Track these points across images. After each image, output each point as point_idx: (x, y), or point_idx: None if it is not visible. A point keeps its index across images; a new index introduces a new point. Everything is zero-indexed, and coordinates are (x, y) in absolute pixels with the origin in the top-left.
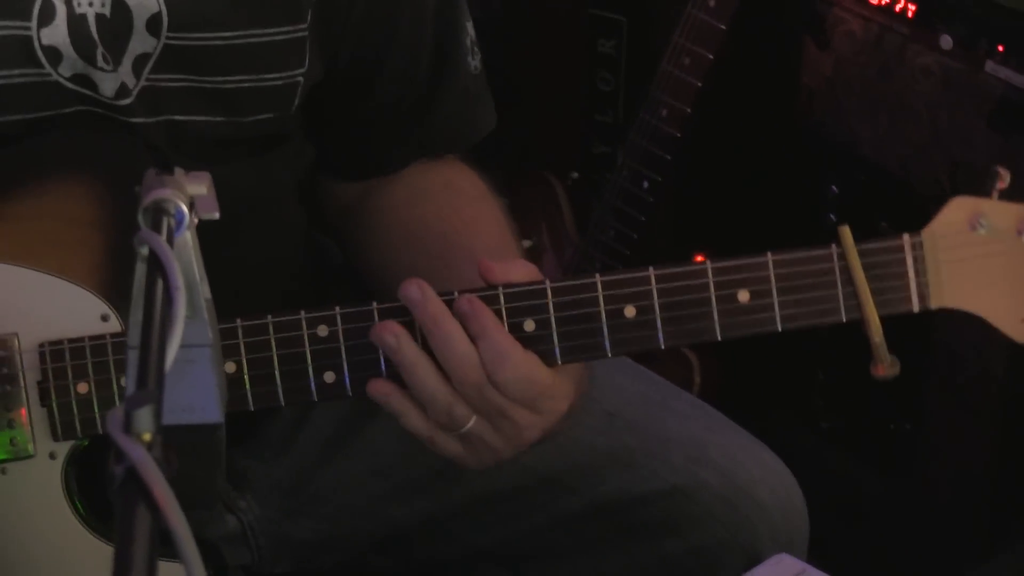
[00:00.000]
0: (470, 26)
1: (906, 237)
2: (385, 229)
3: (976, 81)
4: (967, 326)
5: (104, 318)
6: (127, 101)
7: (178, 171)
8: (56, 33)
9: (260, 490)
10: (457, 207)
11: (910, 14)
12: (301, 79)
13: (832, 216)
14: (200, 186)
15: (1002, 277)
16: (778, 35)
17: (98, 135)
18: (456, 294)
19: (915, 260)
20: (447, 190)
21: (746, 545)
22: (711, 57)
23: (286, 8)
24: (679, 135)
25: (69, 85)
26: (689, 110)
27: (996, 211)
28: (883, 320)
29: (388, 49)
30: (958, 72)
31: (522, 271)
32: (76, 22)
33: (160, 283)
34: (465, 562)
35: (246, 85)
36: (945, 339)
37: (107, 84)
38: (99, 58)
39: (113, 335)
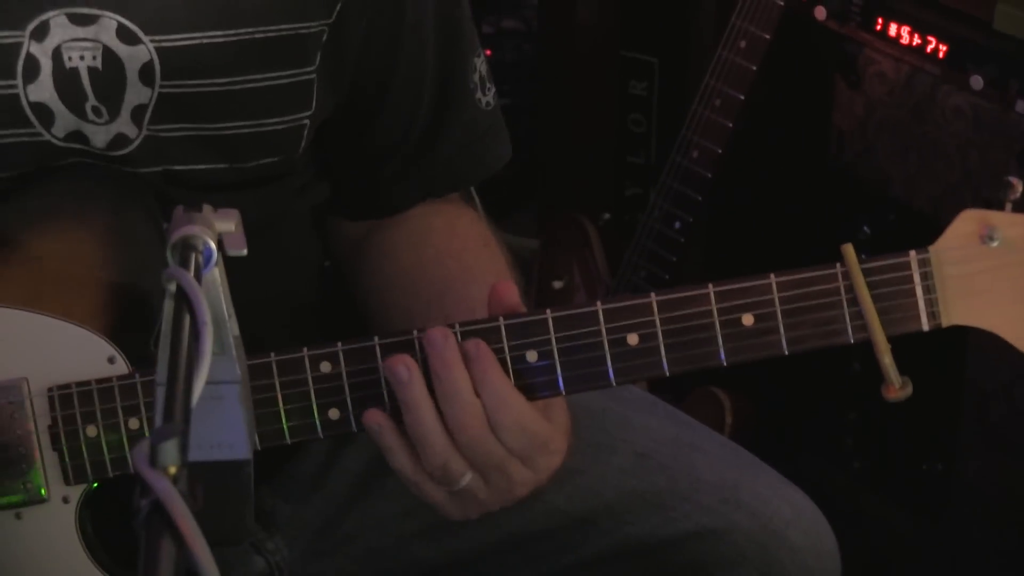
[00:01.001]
0: (479, 62)
1: (912, 253)
2: (384, 272)
3: (1007, 121)
4: (997, 365)
5: (111, 360)
6: (125, 151)
7: (206, 208)
8: (42, 89)
9: (288, 531)
10: (457, 252)
11: (941, 55)
12: (307, 121)
13: (863, 256)
14: (228, 223)
15: (1016, 291)
16: (809, 76)
17: (98, 177)
18: (457, 326)
19: (923, 277)
20: (449, 234)
21: None
22: (742, 98)
23: (291, 52)
24: (710, 176)
25: (62, 144)
26: (720, 151)
27: (1008, 223)
28: (892, 340)
29: (389, 84)
30: (989, 112)
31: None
32: (65, 77)
33: (188, 319)
34: None
35: (246, 131)
36: (975, 378)
37: (99, 137)
38: (89, 111)
39: (120, 377)
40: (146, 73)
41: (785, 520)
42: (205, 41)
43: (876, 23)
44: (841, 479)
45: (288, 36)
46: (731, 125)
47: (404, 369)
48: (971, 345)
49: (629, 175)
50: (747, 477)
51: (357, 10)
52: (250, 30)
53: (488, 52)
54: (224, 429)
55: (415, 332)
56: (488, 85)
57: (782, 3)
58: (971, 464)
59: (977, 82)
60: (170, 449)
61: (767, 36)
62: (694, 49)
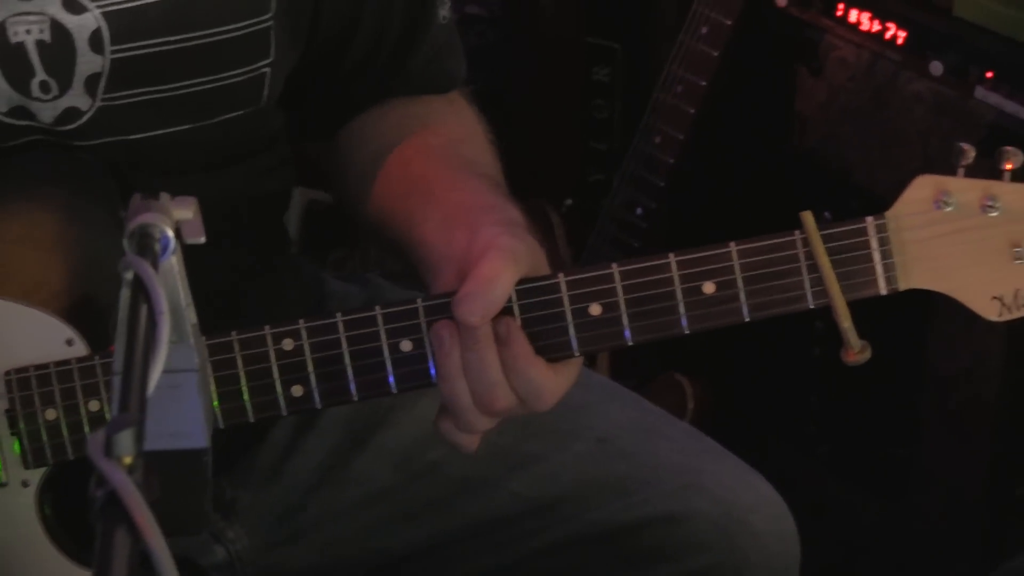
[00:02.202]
0: None
1: (870, 219)
2: (356, 161)
3: (967, 107)
4: (958, 351)
5: (69, 342)
6: (75, 125)
7: (164, 196)
8: None
9: (248, 520)
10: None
11: (900, 41)
12: (268, 70)
13: (822, 223)
14: (186, 211)
15: (969, 254)
16: (771, 62)
17: (53, 157)
18: (420, 301)
19: (880, 242)
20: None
21: (739, 572)
22: (705, 84)
23: (245, 2)
24: (673, 162)
25: (8, 120)
26: (683, 137)
27: (961, 188)
28: (852, 304)
29: (358, 17)
30: (949, 98)
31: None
32: (10, 53)
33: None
34: None
35: (206, 87)
36: (936, 364)
37: (46, 113)
38: (35, 87)
39: (79, 359)
40: (95, 41)
41: (747, 506)
42: (152, 1)
43: (837, 9)
44: (803, 465)
45: None
46: (693, 111)
47: (447, 333)
48: (932, 331)
49: (592, 161)
50: (709, 463)
51: None
52: None
53: None
54: (181, 418)
55: (378, 309)
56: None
57: None
58: (931, 449)
59: (937, 68)
60: (125, 439)
61: (729, 22)
62: (657, 35)
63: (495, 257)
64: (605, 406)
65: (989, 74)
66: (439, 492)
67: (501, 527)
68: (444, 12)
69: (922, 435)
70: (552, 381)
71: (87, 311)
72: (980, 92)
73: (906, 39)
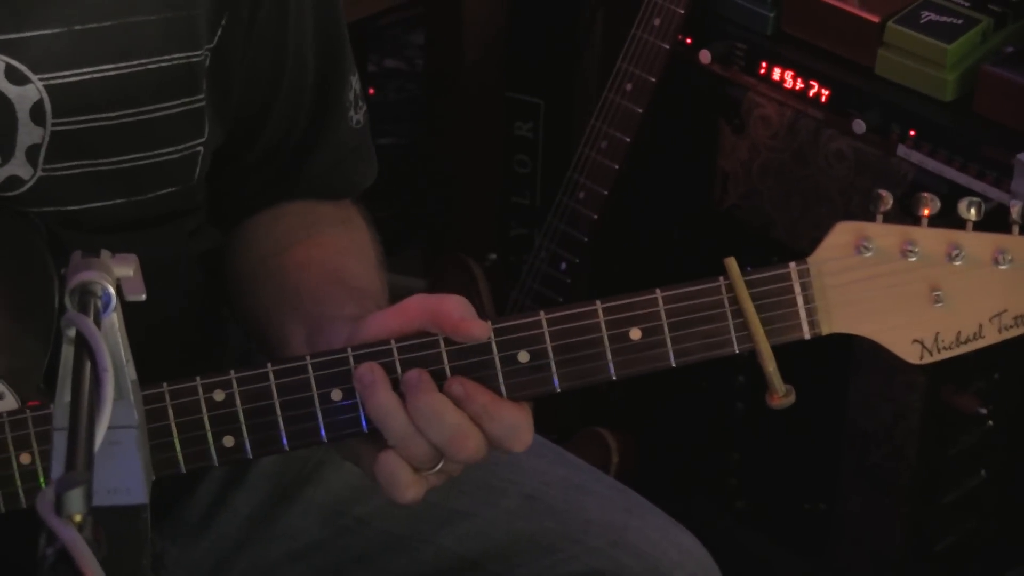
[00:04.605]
0: (355, 80)
1: (792, 265)
2: (243, 261)
3: (888, 165)
4: (878, 406)
5: None
6: (17, 192)
7: (104, 253)
8: None
9: (177, 573)
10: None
11: (824, 99)
12: (201, 148)
13: (747, 270)
14: (127, 268)
15: (890, 298)
16: (694, 120)
17: None
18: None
19: (803, 287)
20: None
21: None
22: (629, 141)
23: (182, 80)
24: (596, 217)
25: None
26: (607, 192)
27: (880, 233)
28: (776, 349)
29: (271, 106)
30: (871, 156)
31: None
32: None
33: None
34: None
35: (142, 163)
36: (856, 419)
37: None
38: None
39: (9, 413)
40: (37, 112)
41: (673, 562)
42: (96, 76)
43: (760, 67)
44: (725, 518)
45: (178, 65)
46: (617, 167)
47: (367, 372)
48: (853, 387)
49: (514, 216)
50: (635, 519)
51: (239, 35)
52: (141, 61)
53: (371, 91)
54: (121, 474)
55: (308, 358)
56: (360, 103)
57: (667, 46)
58: (852, 504)
59: (859, 126)
60: (75, 497)
61: (653, 79)
62: (579, 91)
63: (423, 300)
64: (532, 462)
65: (912, 132)
66: (367, 548)
67: None
68: (357, 116)
69: (842, 490)
70: (527, 417)
71: (14, 365)
72: (902, 150)
73: (829, 97)
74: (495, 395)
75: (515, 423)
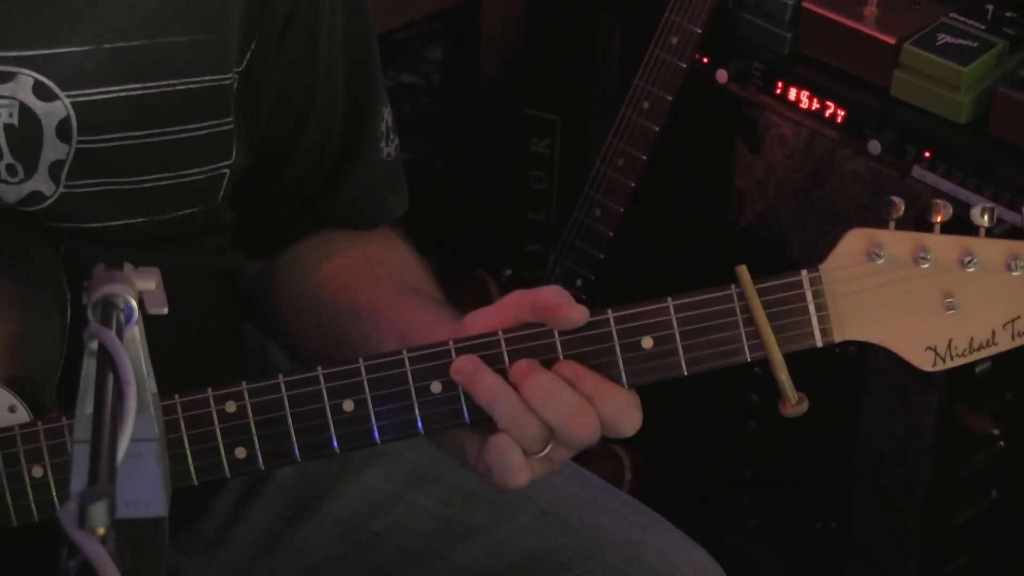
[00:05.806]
0: (387, 112)
1: (804, 272)
2: (296, 287)
3: (903, 185)
4: (891, 426)
5: (12, 409)
6: (39, 207)
7: (127, 266)
8: None
9: None
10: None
11: (839, 120)
12: (227, 171)
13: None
14: (149, 281)
15: (902, 305)
16: (711, 138)
17: (2, 225)
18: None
19: (815, 294)
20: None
21: None
22: (645, 159)
23: (210, 103)
24: (612, 235)
25: None
26: (622, 210)
27: (892, 240)
28: (788, 357)
29: (300, 133)
30: (886, 177)
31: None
32: None
33: (110, 377)
34: None
35: (165, 183)
36: (869, 438)
37: (10, 195)
38: (2, 170)
39: (21, 426)
40: (63, 129)
41: None
42: (123, 95)
43: (776, 87)
44: (737, 536)
45: (207, 87)
46: (633, 185)
47: (467, 361)
48: (866, 405)
49: (530, 232)
50: (650, 536)
51: (268, 58)
52: (169, 82)
53: None
54: (141, 487)
55: (320, 369)
56: (392, 136)
57: (685, 65)
58: (863, 523)
59: (875, 147)
60: (99, 510)
61: (670, 98)
62: (596, 108)
63: (520, 294)
64: (548, 478)
65: (927, 153)
66: (383, 562)
67: None
68: (389, 149)
69: (855, 509)
70: (637, 399)
71: (28, 377)
72: (917, 171)
73: (844, 118)
74: (604, 377)
75: (626, 403)
